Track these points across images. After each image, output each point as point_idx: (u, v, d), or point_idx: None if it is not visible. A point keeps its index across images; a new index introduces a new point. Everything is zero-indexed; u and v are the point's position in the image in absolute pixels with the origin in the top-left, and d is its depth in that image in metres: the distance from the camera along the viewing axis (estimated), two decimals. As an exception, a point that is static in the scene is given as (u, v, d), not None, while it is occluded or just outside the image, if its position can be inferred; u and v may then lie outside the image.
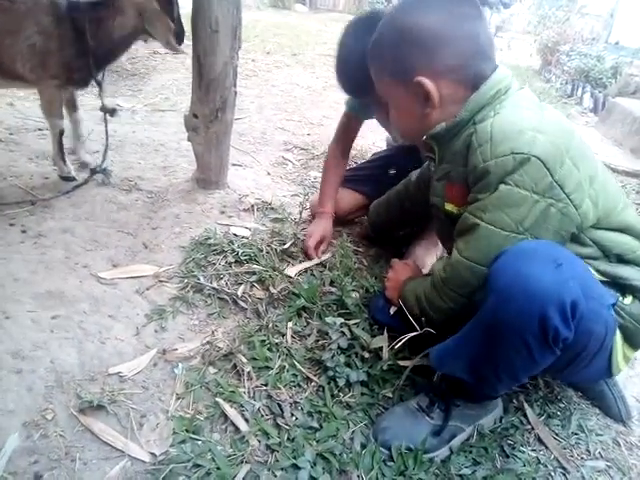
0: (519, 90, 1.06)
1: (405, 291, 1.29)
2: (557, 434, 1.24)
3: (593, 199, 0.99)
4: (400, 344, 1.20)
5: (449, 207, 1.14)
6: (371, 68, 1.15)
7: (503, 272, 0.90)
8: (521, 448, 1.18)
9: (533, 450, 1.19)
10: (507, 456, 1.16)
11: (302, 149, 2.90)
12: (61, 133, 2.02)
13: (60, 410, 1.09)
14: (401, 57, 1.04)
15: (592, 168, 1.01)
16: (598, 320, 0.95)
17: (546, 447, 1.20)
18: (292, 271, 1.60)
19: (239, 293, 1.50)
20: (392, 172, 1.95)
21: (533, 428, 1.24)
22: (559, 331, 0.86)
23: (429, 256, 1.73)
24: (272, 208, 2.05)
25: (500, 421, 1.22)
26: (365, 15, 1.56)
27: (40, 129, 2.61)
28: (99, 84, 2.07)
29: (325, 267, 1.67)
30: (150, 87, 3.88)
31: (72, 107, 2.12)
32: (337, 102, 4.14)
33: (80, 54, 1.88)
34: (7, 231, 1.70)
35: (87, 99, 3.09)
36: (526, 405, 1.28)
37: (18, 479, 0.94)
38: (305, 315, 1.45)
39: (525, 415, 1.26)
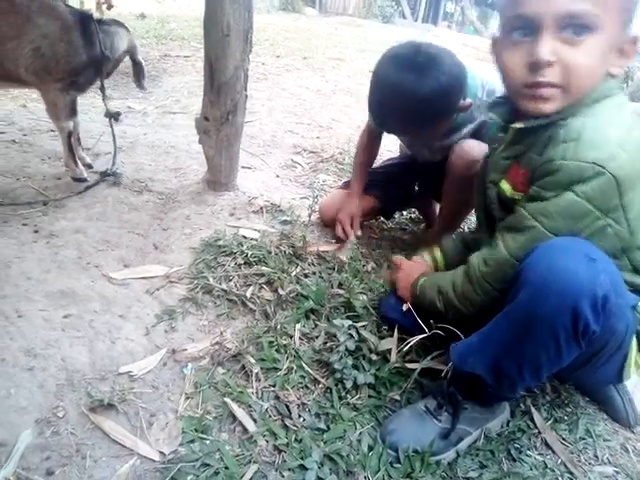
0: (621, 96, 1.01)
1: (422, 286, 1.28)
2: (564, 439, 1.24)
3: None
4: (408, 347, 1.21)
5: (505, 187, 1.11)
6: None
7: (537, 266, 0.90)
8: (528, 452, 1.18)
9: (540, 454, 1.19)
10: (514, 460, 1.16)
11: (311, 152, 2.92)
12: (69, 135, 2.04)
13: (71, 408, 1.11)
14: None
15: None
16: (622, 318, 0.96)
17: (553, 451, 1.20)
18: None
19: (248, 294, 1.51)
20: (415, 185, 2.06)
21: (540, 432, 1.24)
22: (589, 324, 0.87)
23: None
24: (281, 210, 2.06)
25: (507, 425, 1.22)
26: (406, 50, 1.49)
27: (52, 130, 2.63)
28: (103, 89, 2.10)
29: (334, 269, 1.67)
30: (161, 89, 3.92)
31: (72, 111, 2.10)
32: (347, 106, 4.16)
33: (89, 61, 1.91)
34: (20, 231, 1.72)
35: (99, 101, 3.12)
36: (533, 409, 1.28)
37: (31, 475, 0.95)
38: (313, 317, 1.46)
39: (532, 419, 1.26)
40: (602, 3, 0.89)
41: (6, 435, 1.01)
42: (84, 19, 1.88)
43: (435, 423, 1.14)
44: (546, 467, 1.16)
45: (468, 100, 1.54)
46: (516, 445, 1.19)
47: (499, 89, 1.58)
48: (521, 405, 1.30)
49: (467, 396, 1.14)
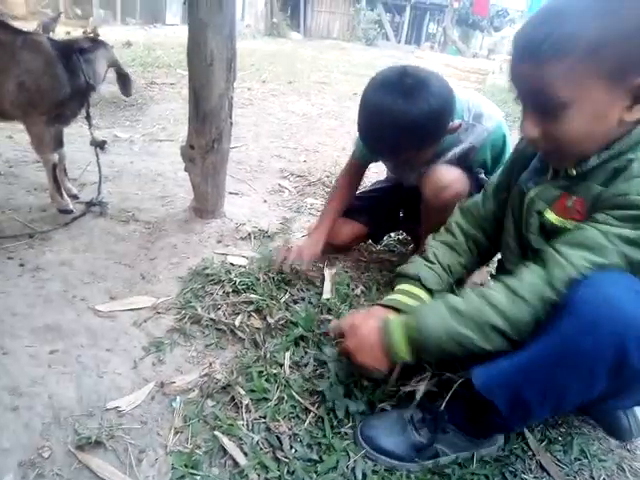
0: None
1: (423, 330, 1.03)
2: (559, 460, 1.23)
3: None
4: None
5: (551, 216, 1.04)
6: (555, 64, 0.87)
7: (586, 297, 0.86)
8: (523, 475, 1.17)
9: (535, 477, 1.18)
10: (508, 485, 1.15)
11: (298, 176, 2.94)
12: (54, 167, 2.04)
13: (57, 447, 1.08)
14: (633, 52, 0.83)
15: None
16: None
17: (549, 474, 1.19)
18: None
19: (237, 323, 1.50)
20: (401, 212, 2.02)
21: (535, 454, 1.23)
22: (632, 362, 0.84)
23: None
24: (269, 236, 2.06)
25: (503, 449, 1.21)
26: (394, 74, 1.47)
27: (38, 161, 2.62)
28: (89, 119, 2.12)
29: (321, 296, 1.67)
30: (148, 117, 3.94)
31: (58, 142, 2.11)
32: (332, 129, 4.20)
33: (74, 92, 1.92)
34: (5, 264, 1.70)
35: (85, 130, 3.12)
36: (527, 431, 1.27)
37: (14, 521, 0.92)
38: (303, 344, 1.44)
39: (526, 441, 1.25)
40: (572, 82, 0.87)
41: (-12, 479, 0.99)
42: (67, 51, 1.89)
43: (413, 434, 1.14)
44: (542, 490, 1.14)
45: (457, 121, 1.54)
46: (511, 469, 1.18)
47: (485, 112, 1.60)
48: (514, 427, 1.29)
49: (457, 420, 1.13)
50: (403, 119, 1.40)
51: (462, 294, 1.04)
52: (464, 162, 1.64)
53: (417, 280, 1.27)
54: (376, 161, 1.91)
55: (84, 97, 2.02)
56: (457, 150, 1.64)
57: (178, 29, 10.50)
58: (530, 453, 1.23)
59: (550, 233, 1.04)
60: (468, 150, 1.63)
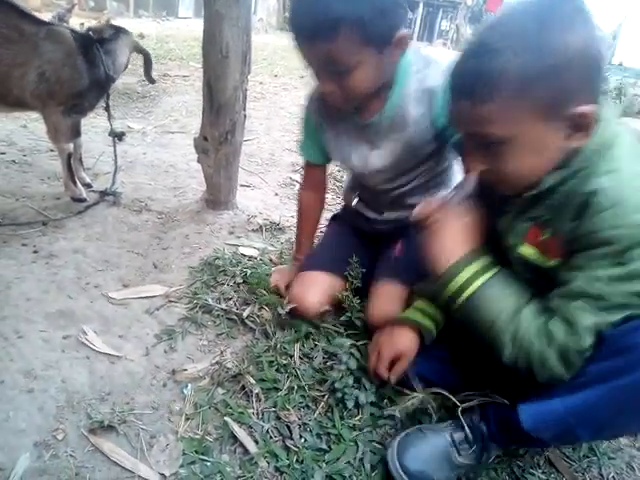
0: (621, 138, 0.91)
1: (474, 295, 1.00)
2: (568, 457, 1.23)
3: None
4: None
5: (528, 251, 1.00)
6: (487, 104, 0.84)
7: None
8: (531, 471, 1.17)
9: (544, 473, 1.18)
10: (517, 478, 1.15)
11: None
12: (69, 156, 2.06)
13: (71, 430, 1.10)
14: (562, 86, 0.81)
15: None
16: None
17: (557, 470, 1.19)
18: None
19: (247, 314, 1.51)
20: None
21: (543, 450, 1.23)
22: None
23: None
24: (280, 229, 2.07)
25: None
26: None
27: (52, 150, 2.65)
28: (108, 110, 2.13)
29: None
30: (160, 109, 3.95)
31: (75, 132, 2.12)
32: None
33: (92, 84, 1.94)
34: (20, 251, 1.72)
35: (98, 121, 3.15)
36: (536, 427, 1.27)
37: (29, 499, 0.94)
38: (313, 336, 1.45)
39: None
40: (507, 119, 0.85)
41: (4, 459, 1.00)
42: (87, 42, 1.91)
43: (456, 457, 1.08)
44: (550, 486, 1.14)
45: (405, 30, 1.15)
46: (519, 464, 1.18)
47: (441, 59, 1.29)
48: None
49: (495, 437, 1.09)
50: None
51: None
52: (425, 112, 1.28)
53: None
54: (328, 162, 1.56)
55: (103, 88, 2.03)
56: (414, 87, 1.26)
57: (191, 22, 10.52)
58: (538, 449, 1.23)
59: (536, 268, 0.99)
60: (429, 92, 1.26)
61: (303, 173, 1.65)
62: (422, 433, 1.12)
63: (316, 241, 1.71)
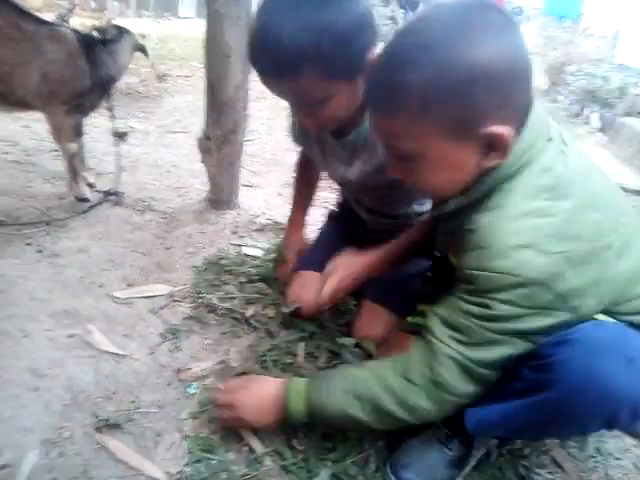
0: (542, 153, 0.85)
1: (320, 394, 1.02)
2: (574, 457, 1.23)
3: (599, 298, 0.87)
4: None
5: (453, 260, 1.00)
6: (393, 119, 0.82)
7: (572, 367, 0.80)
8: (537, 470, 1.17)
9: (549, 473, 1.17)
10: (522, 478, 1.15)
11: (312, 170, 2.94)
12: (73, 156, 2.06)
13: (77, 428, 1.10)
14: (469, 106, 0.77)
15: (600, 268, 0.85)
16: None
17: (563, 470, 1.18)
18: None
19: (251, 313, 1.51)
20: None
21: (549, 450, 1.23)
22: (624, 423, 0.83)
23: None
24: (283, 228, 2.07)
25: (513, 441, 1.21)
26: None
27: (55, 150, 2.65)
28: (111, 110, 2.14)
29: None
30: (162, 109, 3.96)
31: (78, 132, 2.12)
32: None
33: (95, 84, 1.94)
34: (24, 250, 1.73)
35: (100, 121, 3.15)
36: (540, 426, 1.27)
37: (36, 497, 0.94)
38: (317, 336, 1.45)
39: (539, 436, 1.25)
40: (412, 136, 0.82)
41: (12, 456, 1.01)
42: (90, 42, 1.91)
43: (446, 452, 1.10)
44: (556, 487, 1.14)
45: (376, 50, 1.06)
46: (524, 463, 1.18)
47: None
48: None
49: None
50: (308, 25, 0.97)
51: (361, 369, 1.02)
52: None
53: None
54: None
55: (105, 89, 2.04)
56: None
57: (192, 22, 10.50)
58: (544, 448, 1.23)
59: None
60: None
61: (297, 159, 1.67)
62: (410, 443, 1.13)
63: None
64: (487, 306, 0.84)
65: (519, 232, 0.81)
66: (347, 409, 0.98)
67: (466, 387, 0.90)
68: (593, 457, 1.22)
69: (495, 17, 0.77)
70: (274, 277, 1.67)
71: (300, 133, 1.45)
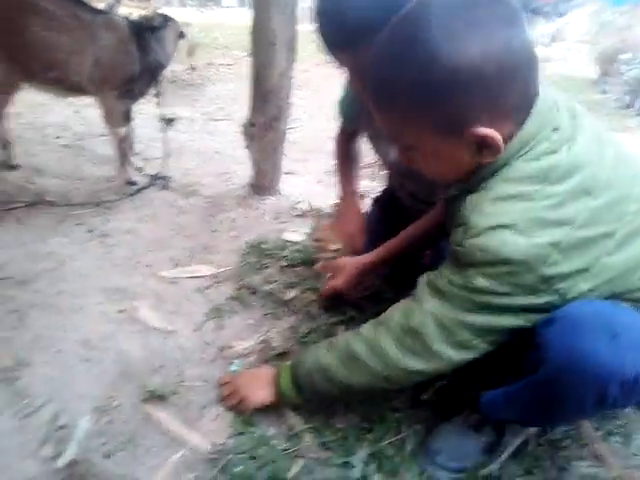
0: (543, 142, 0.83)
1: (303, 368, 1.07)
2: (616, 452, 1.20)
3: (592, 284, 0.85)
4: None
5: None
6: (387, 114, 0.86)
7: (556, 346, 0.81)
8: (576, 463, 1.16)
9: (590, 466, 1.16)
10: (560, 469, 1.14)
11: (353, 158, 2.94)
12: (122, 140, 2.13)
13: (125, 398, 1.16)
14: (454, 107, 0.77)
15: (594, 255, 0.83)
16: None
17: (604, 465, 1.16)
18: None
19: (292, 296, 1.54)
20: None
21: (589, 443, 1.21)
22: (619, 401, 0.82)
23: None
24: (323, 215, 2.09)
25: (551, 430, 1.20)
26: None
27: (103, 135, 2.74)
28: (158, 96, 2.19)
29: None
30: (206, 97, 4.03)
31: (127, 117, 2.20)
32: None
33: (144, 70, 2.00)
34: (74, 230, 1.81)
35: (147, 107, 3.23)
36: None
37: (90, 457, 1.00)
38: (357, 320, 1.47)
39: (579, 429, 1.23)
40: (404, 130, 0.84)
41: (68, 420, 1.07)
42: (140, 30, 1.97)
43: (478, 438, 1.12)
44: (597, 481, 1.13)
45: None
46: (563, 454, 1.17)
47: None
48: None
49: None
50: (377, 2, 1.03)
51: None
52: None
53: None
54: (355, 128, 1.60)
55: (153, 75, 2.09)
56: None
57: (234, 11, 10.60)
58: (584, 441, 1.21)
59: None
60: None
61: (335, 140, 1.70)
62: (443, 428, 1.15)
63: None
64: (468, 280, 0.85)
65: (498, 213, 0.81)
66: (321, 362, 1.03)
67: (443, 348, 0.90)
68: (636, 455, 1.19)
69: (496, 10, 0.74)
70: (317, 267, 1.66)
71: (352, 107, 1.48)
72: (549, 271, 0.80)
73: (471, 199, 0.85)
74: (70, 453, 0.99)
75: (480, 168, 0.85)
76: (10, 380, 1.14)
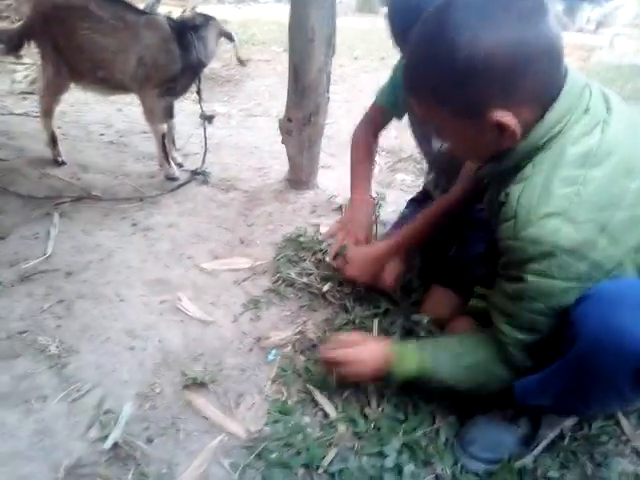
0: (575, 125, 0.85)
1: (428, 359, 1.09)
2: (656, 449, 1.18)
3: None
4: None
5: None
6: (417, 100, 0.91)
7: (590, 321, 0.81)
8: (615, 459, 1.14)
9: (631, 463, 1.14)
10: (598, 464, 1.12)
11: (389, 152, 2.93)
12: (164, 136, 2.19)
13: (166, 385, 1.21)
14: (470, 94, 0.81)
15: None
16: None
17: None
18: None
19: (327, 289, 1.56)
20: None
21: (629, 440, 1.19)
22: None
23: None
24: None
25: (589, 427, 1.18)
26: None
27: (145, 132, 2.82)
28: (199, 93, 2.24)
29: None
30: (243, 93, 4.08)
31: (169, 114, 2.25)
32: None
33: (186, 68, 2.05)
34: (119, 224, 1.88)
35: (186, 104, 3.30)
36: (620, 414, 1.23)
37: (134, 440, 1.05)
38: (391, 312, 1.48)
39: (618, 424, 1.21)
40: (431, 115, 0.91)
41: (114, 404, 1.12)
42: (182, 29, 2.02)
43: (514, 430, 1.12)
44: (638, 478, 1.10)
45: None
46: (601, 450, 1.15)
47: None
48: (606, 409, 1.25)
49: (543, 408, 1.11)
50: None
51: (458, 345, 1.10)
52: None
53: None
54: (398, 117, 1.63)
55: (195, 73, 2.14)
56: None
57: (272, 7, 10.65)
58: (624, 438, 1.19)
59: None
60: None
61: (366, 115, 1.70)
62: (478, 420, 1.15)
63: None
64: (520, 279, 0.87)
65: (547, 201, 0.83)
66: (453, 372, 1.07)
67: (529, 361, 0.96)
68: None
69: (511, 6, 0.78)
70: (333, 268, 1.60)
71: (398, 94, 1.54)
72: (600, 255, 0.82)
73: (515, 192, 0.87)
74: (114, 436, 1.04)
75: (513, 148, 0.88)
76: (60, 366, 1.21)
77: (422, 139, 1.61)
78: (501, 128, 0.83)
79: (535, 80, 0.81)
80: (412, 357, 1.10)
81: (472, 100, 0.82)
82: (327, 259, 1.58)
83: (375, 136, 1.70)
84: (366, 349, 1.15)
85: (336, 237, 1.52)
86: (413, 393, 1.21)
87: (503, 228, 0.89)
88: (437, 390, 1.13)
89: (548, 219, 0.82)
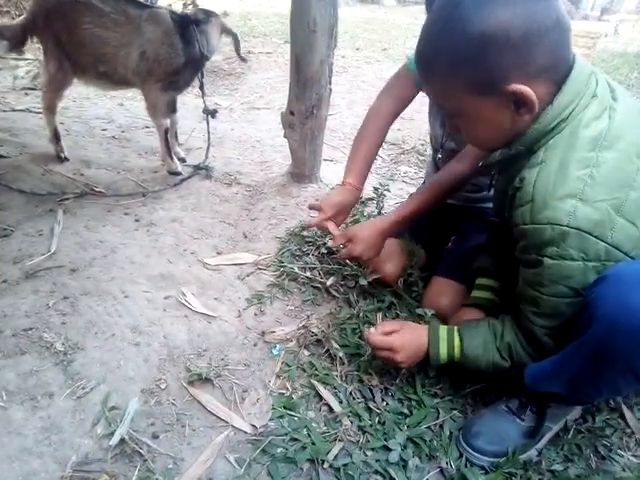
0: (585, 109, 0.88)
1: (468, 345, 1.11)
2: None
3: None
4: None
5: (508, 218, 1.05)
6: (433, 80, 0.93)
7: (606, 301, 0.82)
8: (619, 451, 1.14)
9: (634, 455, 1.14)
10: (602, 457, 1.13)
11: (392, 144, 2.93)
12: (166, 131, 2.19)
13: (172, 381, 1.21)
14: (487, 67, 0.83)
15: None
16: None
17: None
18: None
19: (331, 283, 1.56)
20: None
21: (633, 433, 1.19)
22: None
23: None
24: (363, 202, 2.10)
25: (593, 420, 1.18)
26: None
27: (147, 127, 2.83)
28: (202, 88, 2.24)
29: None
30: (246, 86, 4.07)
31: (172, 109, 2.25)
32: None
33: (188, 62, 2.05)
34: (123, 219, 1.88)
35: (188, 99, 3.30)
36: (624, 407, 1.23)
37: (140, 436, 1.06)
38: (395, 306, 1.48)
39: (623, 417, 1.21)
40: (447, 96, 0.92)
41: (119, 400, 1.13)
42: (184, 23, 2.01)
43: (519, 422, 1.12)
44: (642, 470, 1.11)
45: None
46: (605, 442, 1.15)
47: None
48: (611, 402, 1.25)
49: (550, 397, 1.11)
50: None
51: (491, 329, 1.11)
52: None
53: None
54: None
55: (197, 67, 2.13)
56: None
57: (273, -2, 10.60)
58: (628, 430, 1.20)
59: None
60: None
61: (391, 84, 1.57)
62: (482, 413, 1.16)
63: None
64: (539, 263, 0.89)
65: (563, 183, 0.85)
66: (489, 356, 1.08)
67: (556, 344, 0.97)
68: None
69: None
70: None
71: None
72: (617, 236, 0.84)
73: (531, 176, 0.90)
74: (120, 432, 1.05)
75: (524, 131, 0.90)
76: (65, 363, 1.21)
77: (437, 117, 1.59)
78: (519, 102, 0.85)
79: (548, 52, 0.83)
80: (451, 339, 1.13)
81: (489, 74, 0.84)
82: (329, 243, 1.56)
83: (396, 113, 1.58)
84: (417, 339, 1.16)
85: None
86: (418, 387, 1.22)
87: (519, 213, 0.91)
88: (478, 371, 1.13)
89: (564, 201, 0.84)
